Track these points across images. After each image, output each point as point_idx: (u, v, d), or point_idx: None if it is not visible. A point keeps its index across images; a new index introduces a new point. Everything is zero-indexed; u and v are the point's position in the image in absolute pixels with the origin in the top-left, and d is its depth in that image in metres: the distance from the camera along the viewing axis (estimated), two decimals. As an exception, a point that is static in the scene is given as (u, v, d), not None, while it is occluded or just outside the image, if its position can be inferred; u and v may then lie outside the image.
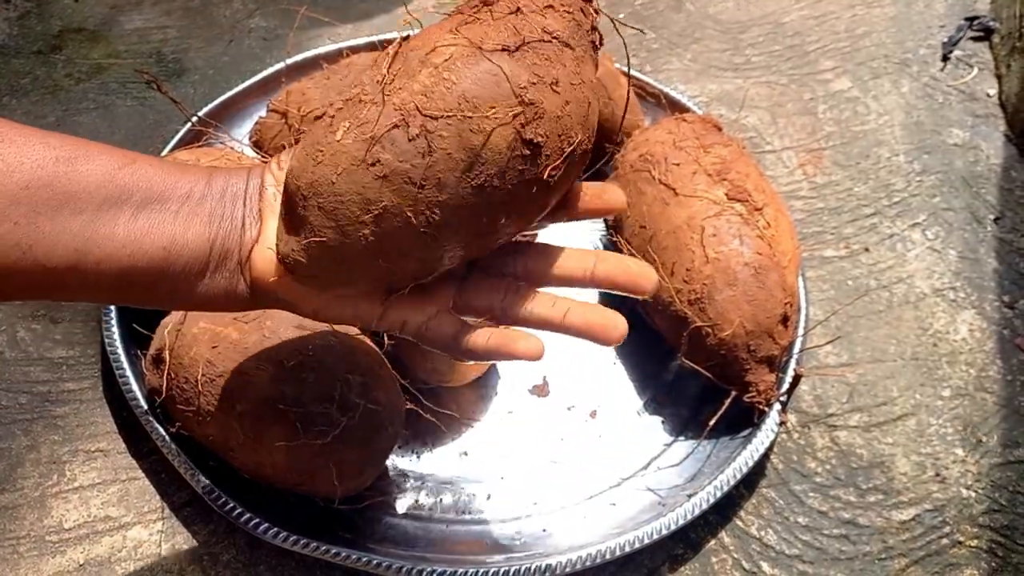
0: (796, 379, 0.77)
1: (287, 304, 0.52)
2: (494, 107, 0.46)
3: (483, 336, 0.53)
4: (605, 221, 0.89)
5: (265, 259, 0.51)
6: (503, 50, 0.46)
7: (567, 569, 0.68)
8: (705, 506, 0.72)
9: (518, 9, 0.48)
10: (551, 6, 0.49)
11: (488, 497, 0.76)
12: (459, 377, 0.79)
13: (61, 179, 0.47)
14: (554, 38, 0.48)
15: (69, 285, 0.49)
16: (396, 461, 0.77)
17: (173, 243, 0.49)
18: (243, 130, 0.95)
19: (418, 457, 0.78)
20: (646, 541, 0.70)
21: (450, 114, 0.45)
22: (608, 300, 0.79)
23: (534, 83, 0.46)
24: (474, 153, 0.46)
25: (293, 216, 0.49)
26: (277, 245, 0.50)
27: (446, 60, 0.46)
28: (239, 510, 0.69)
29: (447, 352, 0.54)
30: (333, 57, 0.98)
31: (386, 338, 0.72)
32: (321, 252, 0.48)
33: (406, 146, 0.45)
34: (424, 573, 0.67)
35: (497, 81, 0.46)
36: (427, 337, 0.53)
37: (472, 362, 0.76)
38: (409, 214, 0.46)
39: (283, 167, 0.52)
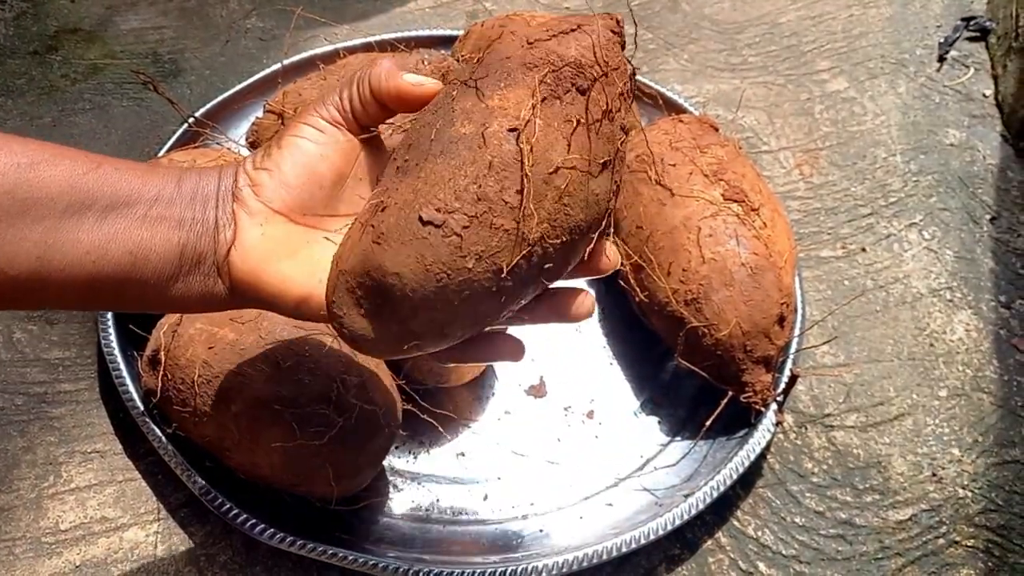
0: (792, 379, 0.77)
1: (267, 305, 0.52)
2: (591, 227, 0.49)
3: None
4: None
5: (245, 261, 0.50)
6: (603, 166, 0.49)
7: (564, 570, 0.68)
8: (702, 506, 0.72)
9: (603, 75, 0.51)
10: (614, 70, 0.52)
11: (485, 498, 0.76)
12: (456, 378, 0.79)
13: (22, 186, 0.46)
14: (624, 131, 0.52)
15: (34, 291, 0.48)
16: (393, 462, 0.77)
17: (139, 248, 0.49)
18: (240, 131, 0.95)
19: (415, 458, 0.78)
20: (643, 541, 0.70)
21: (562, 241, 0.48)
22: (608, 301, 0.79)
23: (615, 193, 0.51)
24: (568, 262, 0.50)
25: (383, 310, 0.47)
26: (341, 319, 0.48)
27: (565, 186, 0.47)
28: (235, 511, 0.69)
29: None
30: (329, 58, 0.98)
31: None
32: (408, 349, 0.48)
33: (526, 271, 0.47)
34: (421, 574, 0.67)
35: (598, 202, 0.49)
36: None
37: (468, 364, 0.76)
38: (500, 312, 0.48)
39: (260, 166, 0.51)
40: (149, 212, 0.49)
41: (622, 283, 0.79)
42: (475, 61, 0.52)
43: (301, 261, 0.51)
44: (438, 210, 0.46)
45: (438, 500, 0.75)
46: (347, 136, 0.53)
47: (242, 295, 0.51)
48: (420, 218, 0.46)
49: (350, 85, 0.52)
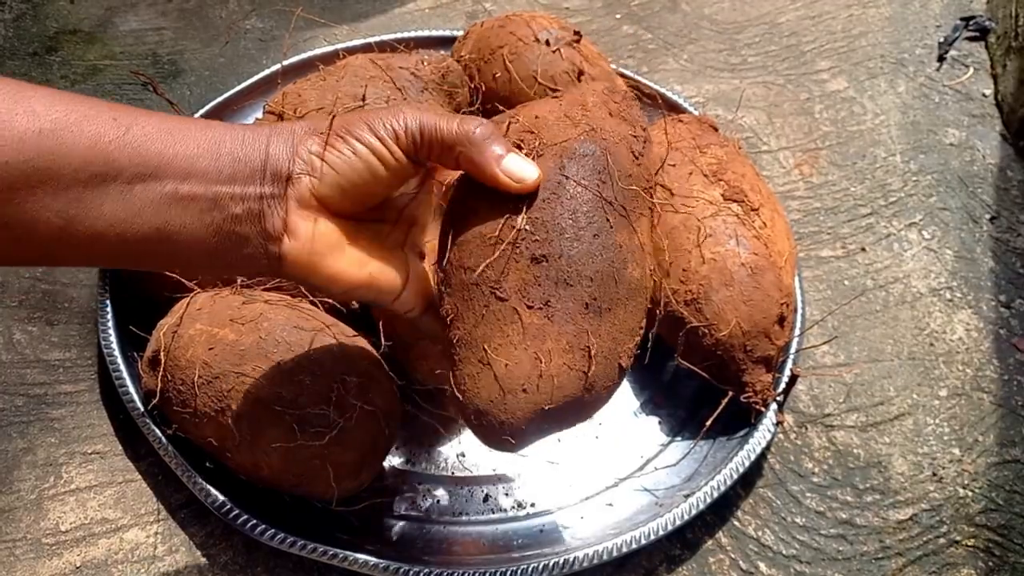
0: (792, 379, 0.77)
1: (315, 289, 0.55)
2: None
3: None
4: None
5: (298, 253, 0.51)
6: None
7: (564, 570, 0.68)
8: (702, 506, 0.72)
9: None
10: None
11: (485, 498, 0.76)
12: None
13: (44, 155, 0.44)
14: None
15: (56, 256, 0.48)
16: (393, 462, 0.77)
17: (168, 225, 0.48)
18: (239, 131, 0.94)
19: (415, 458, 0.78)
20: (643, 542, 0.69)
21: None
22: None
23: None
24: None
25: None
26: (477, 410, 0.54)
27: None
28: (236, 512, 0.69)
29: (437, 337, 0.57)
30: (329, 58, 0.97)
31: (382, 339, 0.72)
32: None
33: None
34: (422, 575, 0.67)
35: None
36: (423, 323, 0.58)
37: None
38: None
39: (322, 157, 0.50)
40: (180, 188, 0.48)
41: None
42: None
43: (350, 256, 0.53)
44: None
45: (438, 501, 0.75)
46: (408, 163, 0.52)
47: (291, 277, 0.52)
48: (619, 366, 0.55)
49: (433, 132, 0.51)
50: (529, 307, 0.52)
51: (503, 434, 0.54)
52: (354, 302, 0.60)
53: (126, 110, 0.48)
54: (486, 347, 0.53)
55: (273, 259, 0.51)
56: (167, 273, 0.73)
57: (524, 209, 0.52)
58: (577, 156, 0.54)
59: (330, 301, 0.75)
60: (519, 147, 0.54)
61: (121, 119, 0.47)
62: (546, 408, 0.52)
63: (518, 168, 0.51)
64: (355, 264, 0.53)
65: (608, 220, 0.53)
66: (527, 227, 0.52)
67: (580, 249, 0.52)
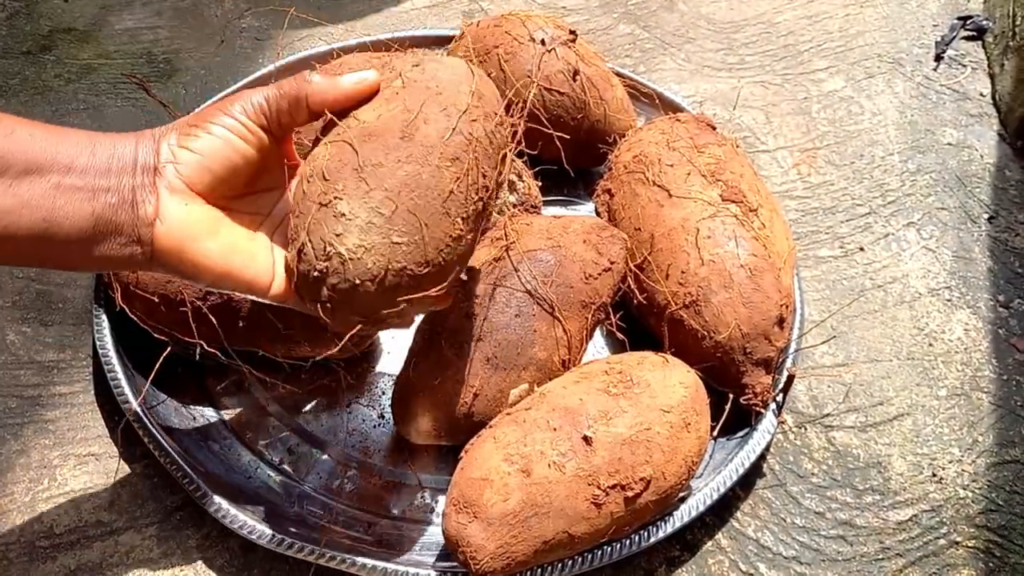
0: (789, 379, 0.77)
1: (186, 277, 0.57)
2: None
3: None
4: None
5: (170, 236, 0.54)
6: None
7: (564, 571, 0.67)
8: (702, 508, 0.71)
9: None
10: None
11: (483, 500, 0.75)
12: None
13: None
14: None
15: None
16: (391, 465, 0.77)
17: (53, 215, 0.51)
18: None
19: (413, 460, 0.77)
20: (643, 543, 0.69)
21: None
22: (619, 313, 0.78)
23: None
24: None
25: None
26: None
27: None
28: (232, 514, 0.68)
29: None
30: (325, 58, 0.97)
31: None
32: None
33: None
34: (419, 577, 0.66)
35: None
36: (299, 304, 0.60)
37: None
38: None
39: (184, 145, 0.55)
40: (63, 181, 0.52)
41: (621, 285, 0.79)
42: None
43: (220, 241, 0.56)
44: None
45: (437, 502, 0.75)
46: (270, 140, 0.58)
47: (162, 265, 0.55)
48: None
49: (281, 98, 0.57)
50: (449, 344, 0.71)
51: (397, 420, 0.73)
52: (230, 292, 0.63)
53: (10, 117, 0.53)
54: (414, 359, 0.72)
55: (146, 245, 0.54)
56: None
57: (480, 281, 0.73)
58: (535, 260, 0.74)
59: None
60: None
61: (5, 122, 0.52)
62: (428, 414, 0.71)
63: (358, 78, 0.58)
64: (225, 250, 0.56)
65: (533, 309, 0.72)
66: (474, 293, 0.72)
67: (499, 319, 0.71)
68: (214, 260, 0.55)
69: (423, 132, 0.56)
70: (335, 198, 0.54)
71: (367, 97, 0.58)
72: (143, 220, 0.54)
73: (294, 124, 0.58)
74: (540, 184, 0.88)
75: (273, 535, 0.67)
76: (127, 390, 0.74)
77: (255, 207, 0.60)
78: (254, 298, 0.59)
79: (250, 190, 0.60)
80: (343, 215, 0.54)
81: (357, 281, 0.54)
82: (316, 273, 0.54)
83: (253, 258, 0.57)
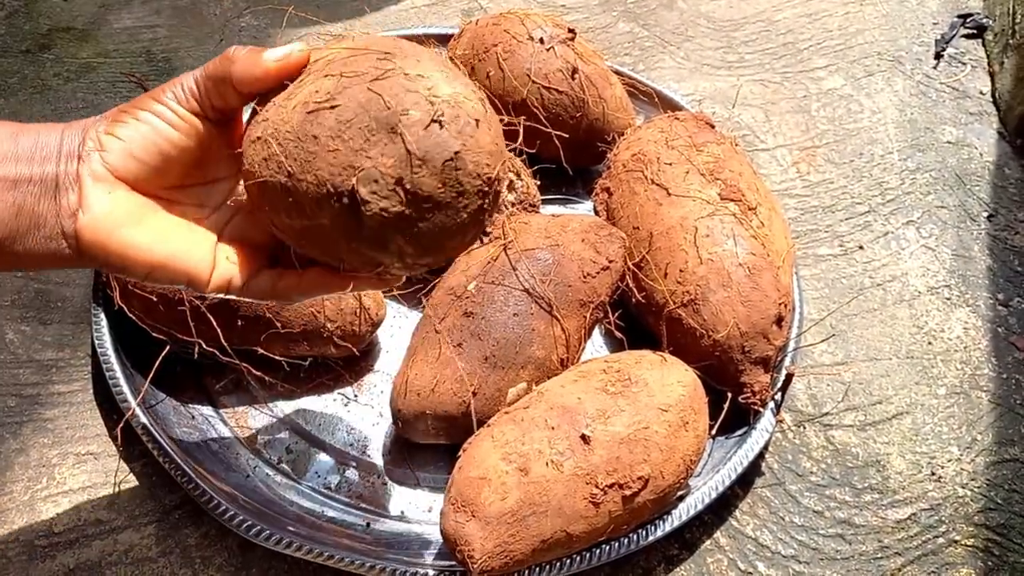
0: (788, 378, 0.77)
1: (117, 269, 0.53)
2: None
3: (293, 277, 0.56)
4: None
5: (95, 226, 0.51)
6: None
7: (564, 570, 0.67)
8: (701, 506, 0.71)
9: None
10: None
11: (482, 499, 0.75)
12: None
13: None
14: None
15: None
16: (390, 464, 0.77)
17: None
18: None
19: (413, 459, 0.77)
20: (641, 542, 0.69)
21: None
22: (618, 312, 0.78)
23: None
24: None
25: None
26: None
27: None
28: (231, 513, 0.68)
29: (269, 299, 0.57)
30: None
31: None
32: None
33: None
34: (419, 575, 0.66)
35: None
36: (248, 292, 0.56)
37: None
38: None
39: (110, 132, 0.52)
40: None
41: (620, 284, 0.79)
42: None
43: (149, 229, 0.52)
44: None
45: (436, 501, 0.75)
46: (205, 126, 0.54)
47: (91, 258, 0.52)
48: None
49: (205, 77, 0.53)
50: (447, 342, 0.71)
51: (396, 418, 0.73)
52: (167, 285, 0.58)
53: None
54: (414, 358, 0.73)
55: (71, 238, 0.51)
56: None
57: (477, 279, 0.73)
58: (533, 258, 0.74)
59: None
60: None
61: None
62: (427, 412, 0.71)
63: (282, 53, 0.52)
64: (156, 238, 0.52)
65: (531, 308, 0.72)
66: (472, 291, 0.73)
67: (498, 318, 0.71)
68: (143, 250, 0.52)
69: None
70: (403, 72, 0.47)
71: (295, 73, 0.53)
72: (66, 211, 0.51)
73: (227, 106, 0.53)
74: (538, 183, 0.88)
75: (271, 534, 0.67)
76: (126, 389, 0.74)
77: (200, 199, 0.57)
78: (193, 291, 0.56)
79: (194, 181, 0.56)
80: (420, 76, 0.48)
81: (478, 118, 0.48)
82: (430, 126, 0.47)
83: (189, 248, 0.54)
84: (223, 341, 0.72)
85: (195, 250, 0.54)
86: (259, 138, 0.50)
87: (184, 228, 0.55)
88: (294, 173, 0.48)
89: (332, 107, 0.47)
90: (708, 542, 0.74)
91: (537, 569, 0.66)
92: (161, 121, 0.52)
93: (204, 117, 0.53)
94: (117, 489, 0.75)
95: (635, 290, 0.79)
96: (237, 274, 0.55)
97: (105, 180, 0.51)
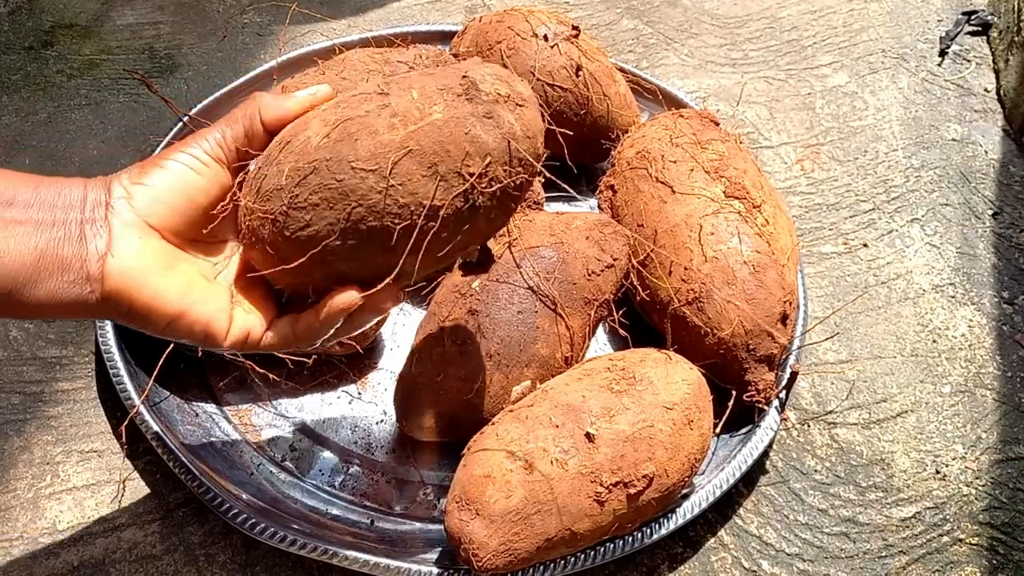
0: (792, 376, 0.76)
1: (138, 319, 0.52)
2: None
3: (311, 316, 0.54)
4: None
5: (124, 271, 0.50)
6: None
7: (565, 569, 0.67)
8: (705, 504, 0.71)
9: None
10: None
11: (486, 496, 0.75)
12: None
13: None
14: None
15: None
16: (393, 463, 0.77)
17: None
18: (237, 127, 0.94)
19: (416, 458, 0.77)
20: (645, 540, 0.69)
21: None
22: (622, 310, 0.78)
23: None
24: None
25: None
26: None
27: None
28: (235, 511, 0.68)
29: (292, 345, 0.57)
30: (326, 53, 0.97)
31: None
32: None
33: None
34: (422, 574, 0.66)
35: None
36: (270, 342, 0.56)
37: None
38: None
39: (137, 181, 0.52)
40: (3, 214, 0.49)
41: (624, 282, 0.78)
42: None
43: (177, 277, 0.53)
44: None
45: (439, 500, 0.75)
46: (227, 174, 0.55)
47: (114, 305, 0.51)
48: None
49: (234, 123, 0.55)
50: (451, 340, 0.71)
51: (399, 416, 0.74)
52: (183, 340, 0.57)
53: None
54: (416, 356, 0.73)
55: (96, 282, 0.50)
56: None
57: (481, 278, 0.73)
58: (537, 256, 0.74)
59: None
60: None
61: None
62: (431, 410, 0.71)
63: (309, 94, 0.55)
64: (180, 288, 0.52)
65: (535, 306, 0.72)
66: (476, 289, 0.73)
67: (502, 316, 0.72)
68: (170, 297, 0.52)
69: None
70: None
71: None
72: (93, 255, 0.50)
73: (251, 148, 0.55)
74: (542, 180, 0.88)
75: (275, 532, 0.67)
76: (130, 387, 0.74)
77: (212, 254, 0.57)
78: (208, 347, 0.55)
79: (208, 237, 0.56)
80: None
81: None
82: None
83: (209, 299, 0.54)
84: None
85: (213, 301, 0.54)
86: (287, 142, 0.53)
87: (206, 277, 0.55)
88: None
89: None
90: (712, 540, 0.74)
91: (541, 567, 0.66)
92: (187, 168, 0.53)
93: (227, 165, 0.55)
94: (121, 487, 0.75)
95: (639, 288, 0.79)
96: (256, 324, 0.55)
97: (135, 226, 0.52)
